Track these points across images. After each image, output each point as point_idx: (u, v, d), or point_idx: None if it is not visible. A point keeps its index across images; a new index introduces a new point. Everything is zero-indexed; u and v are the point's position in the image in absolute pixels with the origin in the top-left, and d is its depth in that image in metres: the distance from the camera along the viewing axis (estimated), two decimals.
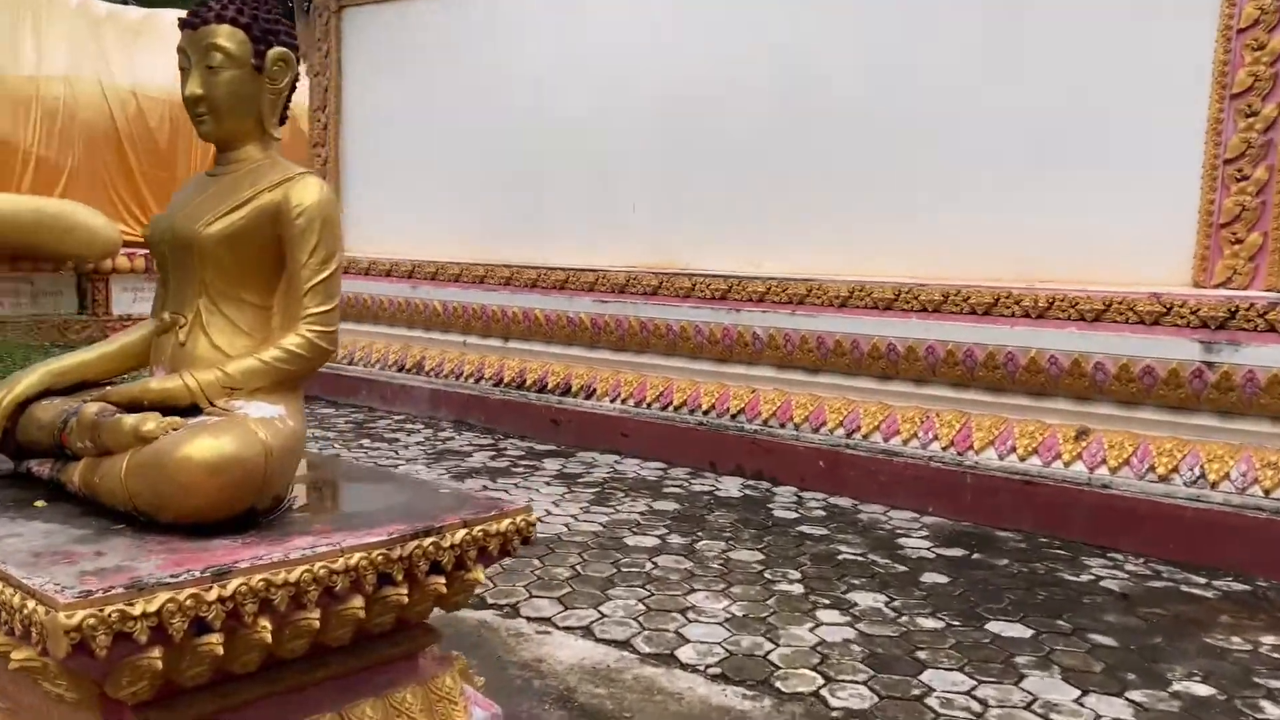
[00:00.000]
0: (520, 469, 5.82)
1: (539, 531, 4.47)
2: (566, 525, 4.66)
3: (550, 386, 6.85)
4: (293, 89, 2.30)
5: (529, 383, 6.97)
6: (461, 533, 2.08)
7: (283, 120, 2.31)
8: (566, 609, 3.65)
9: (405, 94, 8.30)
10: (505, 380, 7.11)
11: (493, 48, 7.68)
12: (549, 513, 4.85)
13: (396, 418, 7.31)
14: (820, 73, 5.95)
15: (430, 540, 2.03)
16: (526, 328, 7.07)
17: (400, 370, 7.73)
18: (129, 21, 13.09)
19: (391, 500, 2.23)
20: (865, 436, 5.49)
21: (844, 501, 5.30)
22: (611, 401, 6.52)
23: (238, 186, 2.19)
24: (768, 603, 3.75)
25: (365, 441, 6.46)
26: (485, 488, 5.28)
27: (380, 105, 8.50)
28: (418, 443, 6.47)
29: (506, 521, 2.18)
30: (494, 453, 6.25)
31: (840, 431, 5.58)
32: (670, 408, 6.25)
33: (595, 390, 6.63)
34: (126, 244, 12.16)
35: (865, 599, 3.81)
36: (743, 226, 6.38)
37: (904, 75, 5.62)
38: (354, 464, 3.00)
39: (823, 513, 5.09)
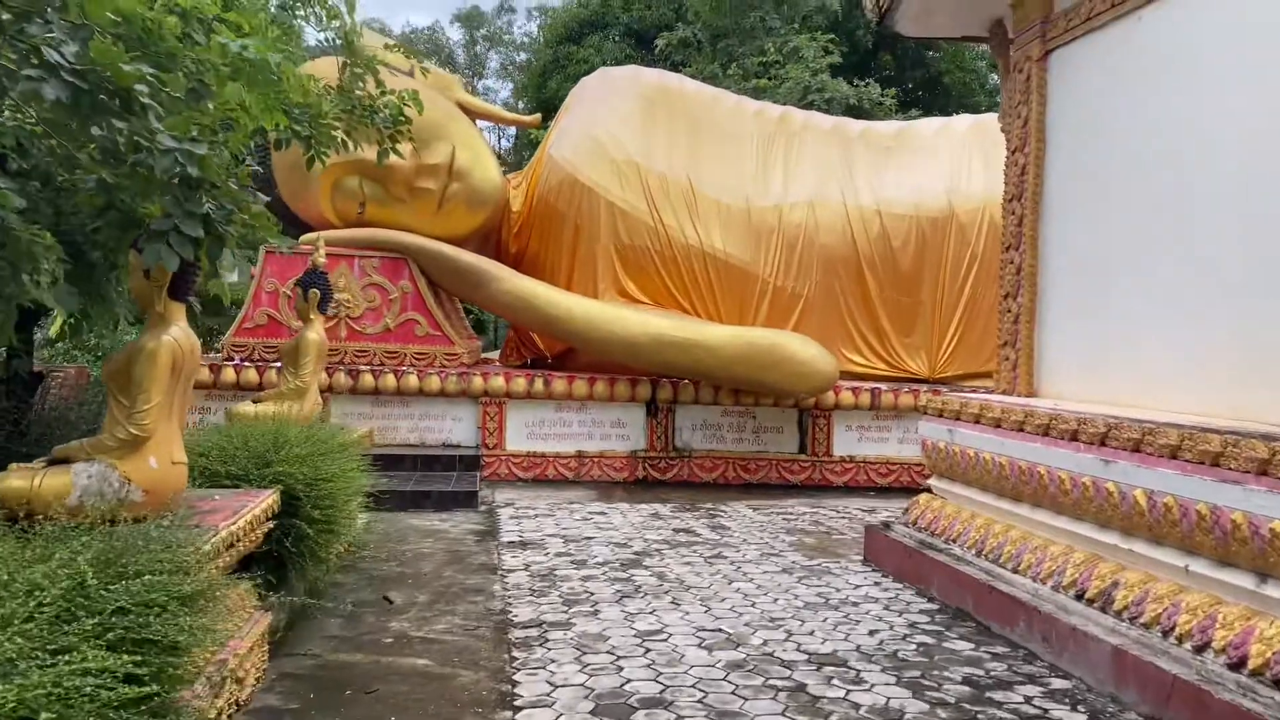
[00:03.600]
0: None
1: None
2: None
3: None
4: None
5: None
6: None
7: None
8: None
9: (1131, 160, 5.38)
10: (1251, 663, 3.65)
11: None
12: None
13: (1051, 684, 4.33)
14: None
15: None
16: None
17: (1078, 598, 4.70)
18: (881, 137, 12.13)
19: None
20: None
21: None
22: None
23: None
24: None
25: None
26: None
27: (1095, 182, 5.70)
28: None
29: None
30: None
31: None
32: None
33: None
34: (854, 376, 10.97)
35: None
36: None
37: None
38: None
39: None
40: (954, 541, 5.99)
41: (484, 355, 12.86)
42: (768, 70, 17.36)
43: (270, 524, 4.22)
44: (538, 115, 12.90)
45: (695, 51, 19.14)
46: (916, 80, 21.54)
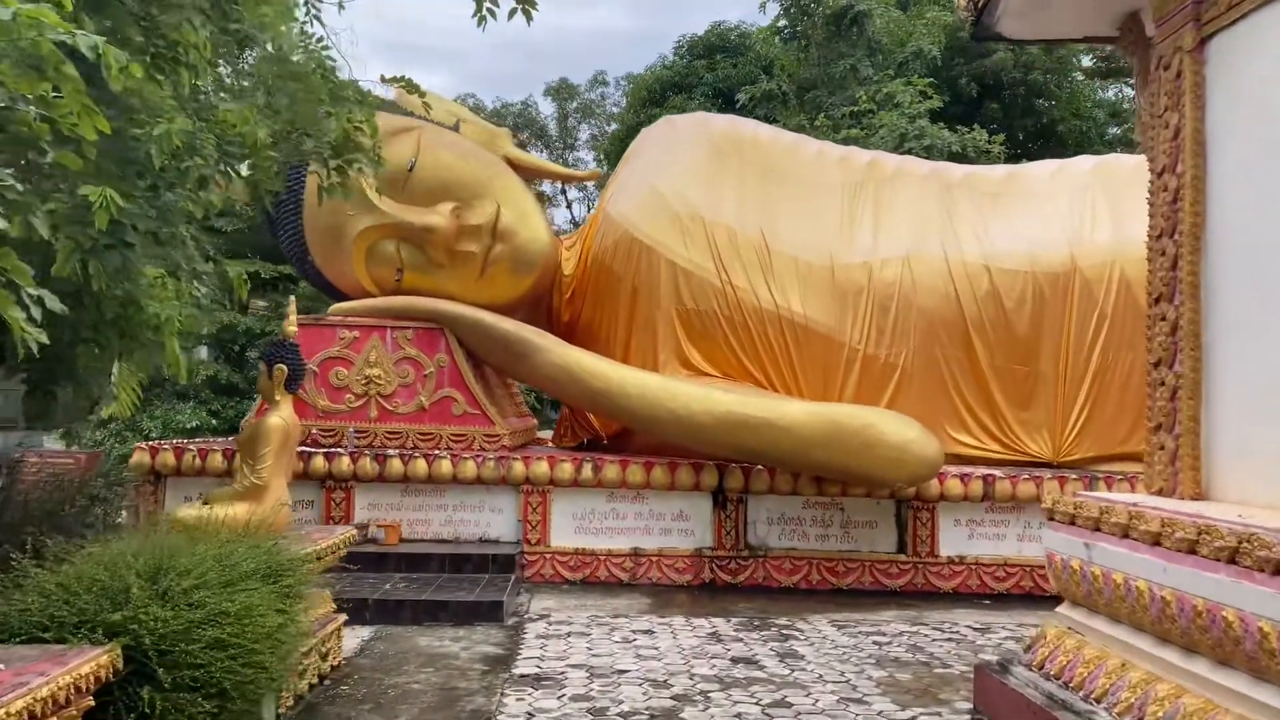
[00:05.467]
0: None
1: None
2: None
3: None
4: None
5: None
6: None
7: None
8: None
9: None
10: None
11: None
12: None
13: None
14: None
15: None
16: None
17: None
18: (987, 182, 10.57)
19: None
20: None
21: None
22: None
23: None
24: None
25: None
26: None
27: None
28: None
29: None
30: None
31: None
32: None
33: None
34: (963, 460, 9.30)
35: None
36: None
37: None
38: None
39: None
40: (1098, 701, 4.34)
41: (539, 435, 11.64)
42: (859, 120, 15.96)
43: (90, 701, 2.95)
44: (596, 170, 11.83)
45: (781, 105, 17.91)
46: (1027, 130, 19.79)
